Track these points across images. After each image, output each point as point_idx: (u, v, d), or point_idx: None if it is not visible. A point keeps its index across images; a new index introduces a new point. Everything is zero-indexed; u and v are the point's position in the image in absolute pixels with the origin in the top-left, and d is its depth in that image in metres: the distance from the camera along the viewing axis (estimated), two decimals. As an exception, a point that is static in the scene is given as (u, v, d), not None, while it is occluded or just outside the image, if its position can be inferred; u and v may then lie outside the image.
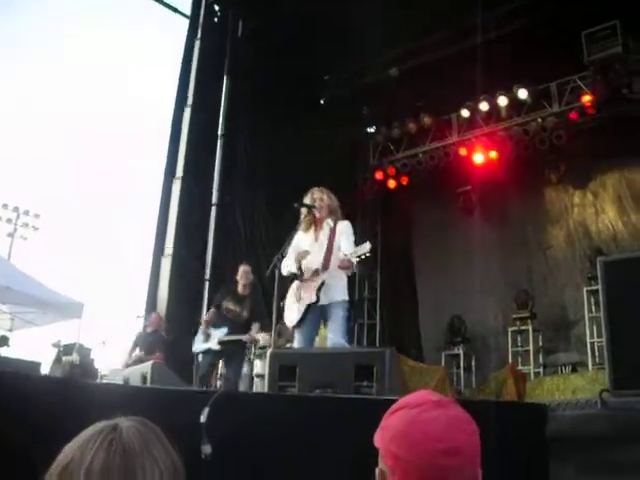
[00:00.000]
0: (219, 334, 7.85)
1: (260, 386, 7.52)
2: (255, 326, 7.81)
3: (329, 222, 5.88)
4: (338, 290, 5.67)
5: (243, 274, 8.12)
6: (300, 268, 5.70)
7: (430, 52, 12.62)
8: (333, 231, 5.80)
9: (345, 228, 5.83)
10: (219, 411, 3.06)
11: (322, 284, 5.56)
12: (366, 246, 5.23)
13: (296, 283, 5.80)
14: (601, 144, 11.57)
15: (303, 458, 3.17)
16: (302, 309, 5.62)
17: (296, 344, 5.75)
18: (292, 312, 5.71)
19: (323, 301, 5.60)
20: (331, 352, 4.93)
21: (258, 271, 10.93)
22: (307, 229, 5.95)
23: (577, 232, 12.39)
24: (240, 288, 8.13)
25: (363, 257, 5.25)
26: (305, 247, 5.82)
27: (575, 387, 9.50)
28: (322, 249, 5.75)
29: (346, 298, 5.74)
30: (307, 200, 5.91)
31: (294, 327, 5.74)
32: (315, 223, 5.93)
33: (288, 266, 5.72)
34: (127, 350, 9.18)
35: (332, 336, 5.50)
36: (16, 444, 2.76)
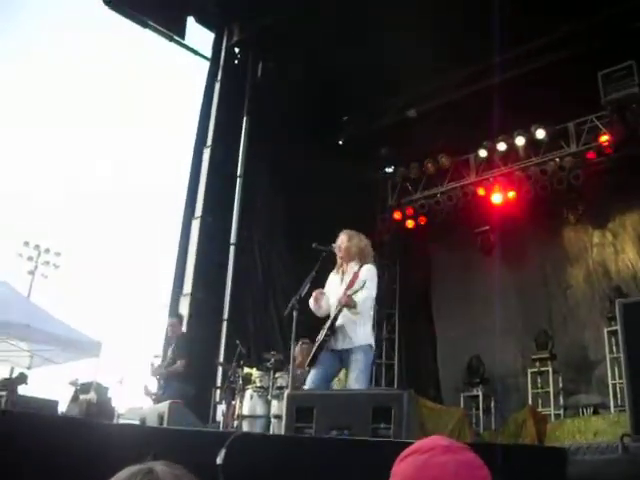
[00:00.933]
0: None
1: (277, 427, 7.45)
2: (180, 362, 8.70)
3: (353, 265, 5.89)
4: (359, 334, 5.62)
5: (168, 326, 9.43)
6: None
7: (448, 93, 12.72)
8: (356, 275, 5.77)
9: (366, 273, 5.77)
10: (236, 453, 3.05)
11: (333, 324, 5.56)
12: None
13: None
14: (619, 184, 11.54)
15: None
16: (314, 348, 5.63)
17: (307, 383, 5.71)
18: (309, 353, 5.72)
19: (343, 345, 5.59)
20: (348, 394, 4.90)
21: (277, 311, 10.98)
22: (337, 270, 6.00)
23: (597, 272, 12.29)
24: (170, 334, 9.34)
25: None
26: (331, 288, 5.88)
27: (597, 430, 9.33)
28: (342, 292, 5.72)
29: (369, 342, 5.67)
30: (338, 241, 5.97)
31: (308, 366, 5.72)
32: (342, 264, 5.96)
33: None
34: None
35: (357, 387, 5.40)
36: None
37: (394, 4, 10.50)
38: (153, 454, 1.31)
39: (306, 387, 5.72)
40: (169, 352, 8.99)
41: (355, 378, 5.45)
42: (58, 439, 2.89)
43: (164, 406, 5.95)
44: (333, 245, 5.91)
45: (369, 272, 5.79)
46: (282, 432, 4.84)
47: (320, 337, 5.61)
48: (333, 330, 5.57)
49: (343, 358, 5.61)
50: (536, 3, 9.92)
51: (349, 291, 5.51)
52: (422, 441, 1.51)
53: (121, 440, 3.04)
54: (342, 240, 5.94)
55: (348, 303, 5.51)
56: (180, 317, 9.56)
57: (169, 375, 8.72)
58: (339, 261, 5.97)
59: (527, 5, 9.84)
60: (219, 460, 3.00)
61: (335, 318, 5.58)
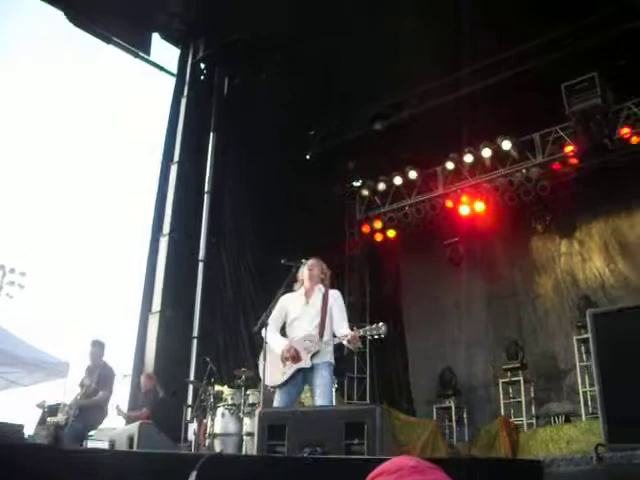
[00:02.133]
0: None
1: (250, 444, 7.40)
2: (100, 394, 8.56)
3: (321, 288, 5.96)
4: (326, 353, 5.69)
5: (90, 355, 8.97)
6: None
7: (413, 105, 12.80)
8: (325, 298, 5.87)
9: (338, 298, 5.94)
10: (207, 475, 2.98)
11: (317, 352, 5.60)
12: (382, 328, 5.38)
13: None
14: (585, 193, 11.70)
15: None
16: (290, 372, 5.60)
17: (276, 404, 5.67)
18: (275, 373, 5.65)
19: (310, 363, 5.62)
20: (321, 410, 4.85)
21: (247, 327, 10.90)
22: (299, 289, 6.01)
23: (565, 281, 12.40)
24: (91, 364, 8.96)
25: (377, 337, 5.40)
26: (295, 310, 5.89)
27: (569, 438, 9.41)
28: (313, 314, 5.80)
29: (332, 361, 5.75)
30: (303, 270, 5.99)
31: (277, 387, 5.68)
32: (308, 288, 5.99)
33: (271, 332, 5.74)
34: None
35: (321, 401, 5.46)
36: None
37: (359, 19, 10.56)
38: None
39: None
40: (89, 381, 8.71)
41: (320, 394, 5.51)
42: (22, 467, 2.81)
43: (134, 428, 5.84)
44: (302, 261, 5.91)
45: (341, 299, 5.98)
46: (255, 450, 4.78)
47: (306, 365, 5.60)
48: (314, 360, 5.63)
49: (307, 375, 5.63)
50: (501, 18, 10.02)
51: (358, 332, 5.51)
52: (388, 463, 1.49)
53: (88, 466, 2.96)
54: (310, 267, 5.99)
55: (356, 342, 5.56)
56: (101, 345, 9.05)
57: (90, 405, 8.55)
58: (307, 284, 5.96)
59: (492, 19, 9.94)
60: (190, 483, 2.94)
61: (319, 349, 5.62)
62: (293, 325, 5.86)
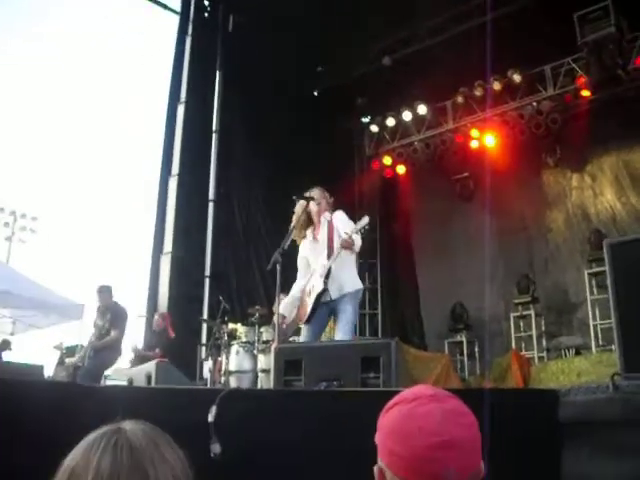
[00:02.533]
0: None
1: (265, 381, 7.48)
2: (112, 333, 8.79)
3: (327, 216, 5.88)
4: (348, 279, 5.63)
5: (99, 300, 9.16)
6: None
7: (422, 39, 12.57)
8: (330, 225, 5.79)
9: (340, 215, 5.84)
10: (227, 409, 3.03)
11: (329, 271, 5.52)
12: (364, 219, 5.41)
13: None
14: (597, 126, 11.53)
15: (312, 452, 3.13)
16: (312, 301, 5.58)
17: (302, 339, 5.71)
18: (303, 311, 5.67)
19: (333, 294, 5.56)
20: (336, 345, 4.90)
21: (259, 265, 10.95)
22: (302, 233, 5.93)
23: (576, 215, 12.35)
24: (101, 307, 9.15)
25: (363, 231, 5.42)
26: (309, 254, 5.84)
27: (580, 370, 9.49)
28: (323, 246, 5.71)
29: (357, 287, 5.70)
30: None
31: (304, 323, 5.69)
32: (310, 223, 5.93)
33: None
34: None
35: (341, 337, 5.42)
36: (20, 452, 2.73)
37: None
38: (122, 414, 1.28)
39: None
40: (102, 322, 8.88)
41: (342, 328, 5.49)
42: (46, 404, 2.86)
43: (151, 365, 5.91)
44: (294, 197, 5.87)
45: (344, 216, 5.87)
46: (271, 386, 4.85)
47: (316, 289, 5.57)
48: (327, 281, 5.54)
49: (332, 307, 5.61)
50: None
51: (348, 232, 5.47)
52: (406, 391, 1.49)
53: (109, 402, 3.01)
54: (321, 195, 5.93)
55: (350, 244, 5.47)
56: (108, 289, 9.11)
57: (103, 345, 8.72)
58: (303, 222, 5.90)
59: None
60: (210, 417, 2.99)
61: (330, 267, 5.54)
62: (313, 267, 5.82)
